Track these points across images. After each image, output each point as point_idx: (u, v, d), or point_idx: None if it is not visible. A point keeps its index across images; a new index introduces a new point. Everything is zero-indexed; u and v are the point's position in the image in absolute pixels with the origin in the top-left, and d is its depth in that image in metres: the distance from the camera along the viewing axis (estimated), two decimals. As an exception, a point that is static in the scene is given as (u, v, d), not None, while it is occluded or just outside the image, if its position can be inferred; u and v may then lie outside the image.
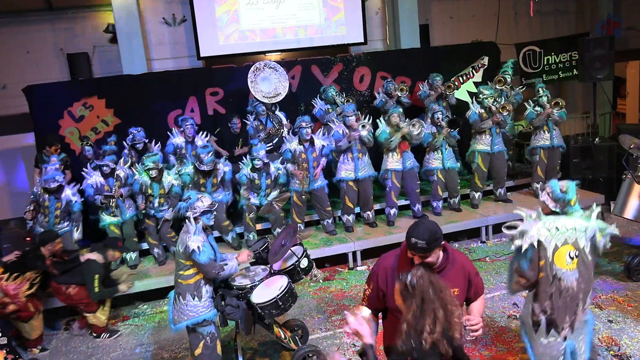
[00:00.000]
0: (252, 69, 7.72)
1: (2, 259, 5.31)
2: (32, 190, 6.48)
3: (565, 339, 3.33)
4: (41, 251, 5.40)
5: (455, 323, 2.33)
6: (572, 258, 3.27)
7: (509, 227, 3.42)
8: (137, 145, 7.21)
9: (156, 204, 6.44)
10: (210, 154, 6.45)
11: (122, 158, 7.04)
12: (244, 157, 6.90)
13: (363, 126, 6.93)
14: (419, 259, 2.72)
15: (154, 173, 6.33)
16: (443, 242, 2.81)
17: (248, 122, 7.74)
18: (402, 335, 2.33)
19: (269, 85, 7.80)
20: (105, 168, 6.48)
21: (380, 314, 3.05)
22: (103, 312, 5.61)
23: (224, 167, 6.71)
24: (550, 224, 3.30)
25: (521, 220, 3.42)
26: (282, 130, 7.65)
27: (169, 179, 6.49)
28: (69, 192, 6.32)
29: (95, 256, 5.41)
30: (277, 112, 7.87)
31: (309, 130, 6.75)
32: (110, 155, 6.80)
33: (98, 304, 5.55)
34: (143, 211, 6.51)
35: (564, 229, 3.27)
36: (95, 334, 5.66)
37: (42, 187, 6.20)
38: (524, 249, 3.30)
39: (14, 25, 9.23)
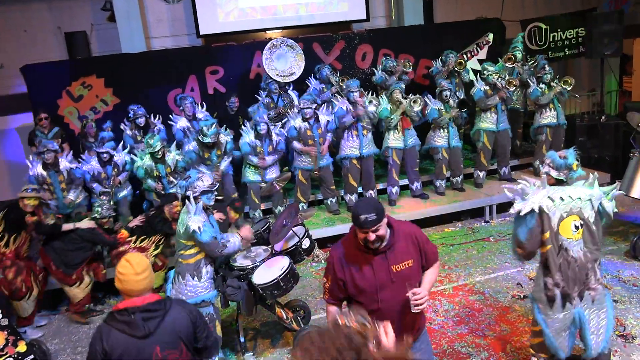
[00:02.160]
0: (268, 45, 7.55)
1: (128, 225, 5.62)
2: (28, 175, 6.22)
3: (574, 306, 3.34)
4: (165, 214, 5.58)
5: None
6: (577, 228, 3.26)
7: (510, 190, 3.40)
8: (138, 121, 7.09)
9: (167, 184, 6.42)
10: (213, 126, 6.38)
11: (122, 142, 6.96)
12: (243, 126, 6.79)
13: (370, 102, 6.82)
14: (372, 234, 2.69)
15: (160, 154, 6.28)
16: (387, 217, 2.79)
17: (259, 98, 7.64)
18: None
19: (284, 63, 7.64)
20: (104, 155, 6.42)
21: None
22: None
23: (226, 137, 6.65)
24: (555, 193, 3.27)
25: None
26: (292, 110, 7.56)
27: (172, 155, 6.45)
28: (66, 163, 6.27)
29: (217, 216, 5.46)
30: (289, 92, 7.76)
31: (309, 111, 6.65)
32: (109, 142, 6.73)
33: None
34: (162, 192, 6.43)
35: (568, 199, 3.26)
36: None
37: (41, 161, 6.10)
38: (523, 212, 3.26)
39: (11, 4, 9.07)
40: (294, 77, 7.72)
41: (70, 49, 9.03)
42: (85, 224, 5.45)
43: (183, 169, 6.47)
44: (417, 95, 7.07)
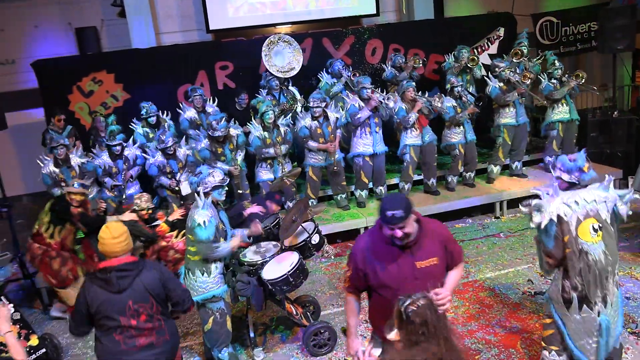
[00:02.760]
0: (266, 42, 7.55)
1: (168, 218, 5.50)
2: (42, 174, 6.29)
3: (599, 314, 3.27)
4: None
5: None
6: (595, 231, 3.22)
7: (526, 205, 3.39)
8: (151, 119, 7.13)
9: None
10: (222, 120, 6.38)
11: (132, 138, 6.99)
12: (249, 123, 6.78)
13: (388, 98, 6.78)
14: (399, 231, 2.70)
15: (172, 150, 6.33)
16: (416, 213, 2.79)
17: (260, 97, 7.63)
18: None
19: (282, 59, 7.64)
20: (116, 148, 6.45)
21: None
22: None
23: (236, 131, 6.65)
24: (569, 198, 3.25)
25: (537, 197, 3.37)
26: (295, 105, 7.55)
27: (182, 151, 6.49)
28: (76, 159, 6.32)
29: (257, 209, 5.47)
30: (290, 87, 7.75)
31: (318, 110, 6.64)
32: (119, 134, 6.74)
33: None
34: (176, 188, 6.48)
35: (583, 202, 3.23)
36: None
37: (53, 158, 6.15)
38: (543, 224, 3.24)
39: (22, 0, 9.12)
40: (294, 73, 7.70)
41: (81, 45, 9.07)
42: (127, 216, 5.44)
43: (193, 164, 6.48)
44: (437, 93, 7.07)
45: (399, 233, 2.71)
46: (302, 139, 6.77)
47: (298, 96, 7.64)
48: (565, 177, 3.37)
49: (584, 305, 3.27)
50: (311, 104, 6.65)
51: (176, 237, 5.43)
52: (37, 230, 5.37)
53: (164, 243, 5.39)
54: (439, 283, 2.75)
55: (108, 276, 3.04)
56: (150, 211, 5.51)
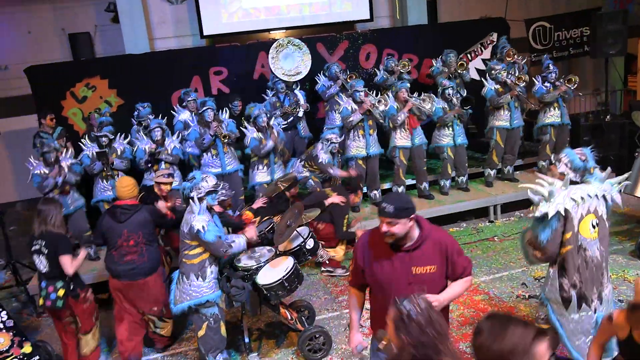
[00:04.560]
0: (274, 44, 7.58)
1: (252, 206, 5.66)
2: (34, 177, 6.07)
3: (595, 311, 3.26)
4: (287, 195, 5.77)
5: None
6: (594, 227, 3.21)
7: (535, 192, 3.24)
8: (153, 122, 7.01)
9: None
10: (208, 109, 6.46)
11: (129, 137, 6.91)
12: (242, 128, 6.76)
13: (379, 101, 6.81)
14: (386, 225, 2.70)
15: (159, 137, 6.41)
16: (418, 218, 2.79)
17: (266, 98, 7.67)
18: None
19: (291, 62, 7.67)
20: (103, 139, 6.30)
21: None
22: (342, 248, 6.06)
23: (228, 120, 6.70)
24: (576, 193, 3.17)
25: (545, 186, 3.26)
26: (298, 109, 7.56)
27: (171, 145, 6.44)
28: (65, 165, 6.07)
29: (338, 199, 5.74)
30: (296, 91, 7.77)
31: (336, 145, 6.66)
32: (107, 126, 6.63)
33: (337, 242, 6.00)
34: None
35: (587, 197, 3.18)
36: (331, 269, 6.12)
37: (44, 160, 6.01)
38: (550, 215, 3.13)
39: (15, 5, 9.11)
40: (300, 77, 7.74)
41: (74, 50, 9.05)
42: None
43: (177, 156, 6.45)
44: (427, 94, 7.06)
45: (384, 227, 2.72)
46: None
47: (302, 101, 7.65)
48: (571, 175, 3.28)
49: (583, 304, 3.25)
50: (333, 140, 6.58)
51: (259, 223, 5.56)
52: None
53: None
54: (434, 292, 2.73)
55: (115, 210, 4.53)
56: (230, 199, 5.59)
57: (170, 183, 5.44)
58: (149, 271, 4.57)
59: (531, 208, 3.27)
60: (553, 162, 3.57)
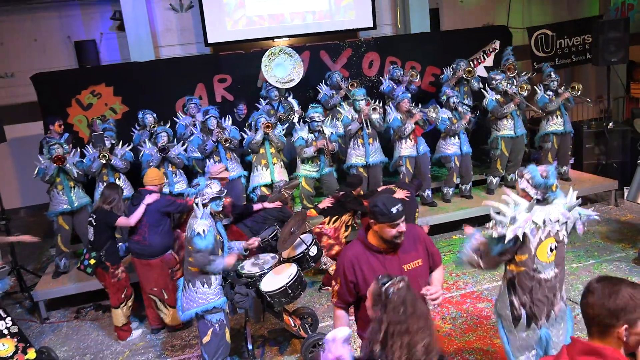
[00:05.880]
0: (267, 53, 7.63)
1: (318, 206, 5.82)
2: (39, 169, 6.15)
3: (540, 327, 3.24)
4: (353, 194, 5.86)
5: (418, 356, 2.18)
6: (551, 250, 3.12)
7: (498, 211, 3.12)
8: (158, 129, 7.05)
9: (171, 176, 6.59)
10: (211, 117, 6.54)
11: (132, 144, 6.96)
12: (243, 134, 6.84)
13: (374, 109, 6.84)
14: (401, 225, 2.78)
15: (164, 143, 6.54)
16: None
17: (260, 106, 7.69)
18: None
19: (283, 71, 7.71)
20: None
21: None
22: None
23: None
24: (538, 216, 3.07)
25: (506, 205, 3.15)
26: (292, 116, 7.59)
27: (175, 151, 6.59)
28: (69, 164, 6.16)
29: (402, 194, 5.76)
30: (289, 99, 7.81)
31: (320, 123, 6.69)
32: (109, 132, 6.68)
33: None
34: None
35: (549, 222, 3.09)
36: (330, 287, 6.07)
37: (48, 158, 6.07)
38: (507, 239, 3.04)
39: (22, 13, 9.20)
40: (293, 84, 7.77)
41: (80, 58, 9.14)
42: (272, 204, 5.65)
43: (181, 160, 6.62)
44: (432, 105, 7.12)
45: (402, 227, 2.78)
46: (298, 148, 6.79)
47: (296, 107, 7.68)
48: (532, 192, 3.14)
49: (532, 323, 3.23)
50: (315, 118, 6.62)
51: (328, 223, 5.73)
52: None
53: (317, 230, 5.61)
54: (425, 283, 2.84)
55: (137, 195, 5.26)
56: (290, 194, 5.98)
57: (225, 179, 5.64)
58: (150, 254, 5.13)
59: (489, 224, 3.17)
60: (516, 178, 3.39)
